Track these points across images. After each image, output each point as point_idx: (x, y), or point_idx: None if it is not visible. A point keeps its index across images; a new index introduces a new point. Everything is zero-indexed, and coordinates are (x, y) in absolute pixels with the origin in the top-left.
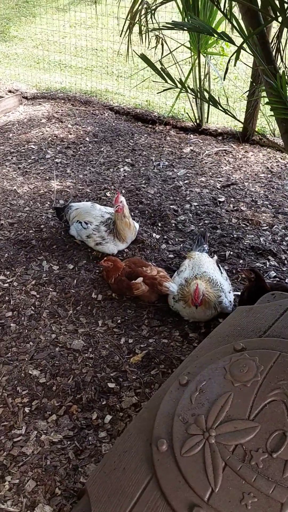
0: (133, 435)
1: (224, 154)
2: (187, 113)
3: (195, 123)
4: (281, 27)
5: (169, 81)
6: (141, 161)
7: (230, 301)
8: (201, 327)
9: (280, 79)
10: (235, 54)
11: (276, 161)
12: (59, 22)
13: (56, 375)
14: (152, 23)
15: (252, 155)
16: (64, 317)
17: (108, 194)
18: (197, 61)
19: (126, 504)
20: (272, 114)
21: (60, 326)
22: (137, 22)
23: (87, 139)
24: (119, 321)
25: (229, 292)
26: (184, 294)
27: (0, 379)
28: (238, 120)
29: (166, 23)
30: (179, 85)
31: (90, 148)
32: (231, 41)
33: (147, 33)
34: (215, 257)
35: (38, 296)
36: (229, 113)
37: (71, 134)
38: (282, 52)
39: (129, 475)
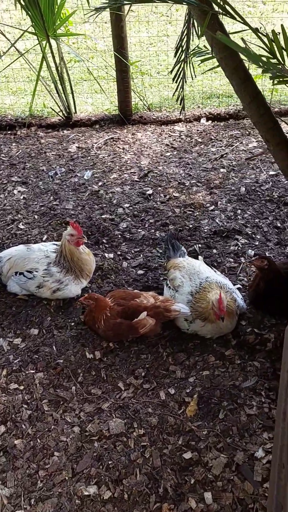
0: None
1: (114, 142)
2: (51, 107)
3: (63, 117)
4: None
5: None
6: (32, 175)
7: (241, 298)
8: (230, 340)
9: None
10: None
11: (169, 136)
12: None
13: (119, 480)
14: None
15: (142, 136)
16: (71, 398)
17: (21, 225)
18: (47, 46)
19: None
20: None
21: (74, 412)
22: None
23: None
24: (142, 373)
25: (237, 289)
26: (200, 312)
27: None
28: None
29: None
30: None
31: None
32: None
33: None
34: (200, 257)
35: (22, 387)
36: None
37: None
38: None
39: None
